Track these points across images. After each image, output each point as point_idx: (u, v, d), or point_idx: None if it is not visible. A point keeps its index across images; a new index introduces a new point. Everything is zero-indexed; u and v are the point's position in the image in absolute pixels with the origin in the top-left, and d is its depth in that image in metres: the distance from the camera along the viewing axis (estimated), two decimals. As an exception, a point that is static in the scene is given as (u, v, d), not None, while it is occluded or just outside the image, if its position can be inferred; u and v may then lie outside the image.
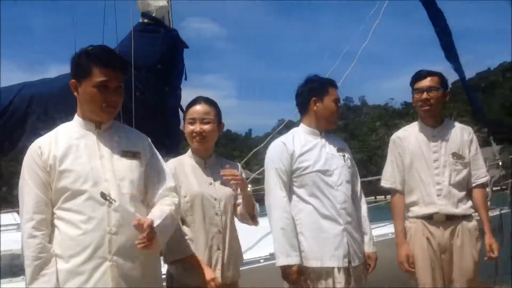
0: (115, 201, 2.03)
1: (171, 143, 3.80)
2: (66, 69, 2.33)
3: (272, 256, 3.55)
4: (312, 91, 2.98)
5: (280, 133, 3.22)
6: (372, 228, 3.07)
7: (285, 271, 2.73)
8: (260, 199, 2.94)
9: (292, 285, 2.74)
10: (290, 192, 2.86)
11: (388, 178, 3.32)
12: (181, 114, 4.34)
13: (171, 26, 4.22)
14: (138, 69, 3.60)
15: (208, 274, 2.39)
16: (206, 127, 2.56)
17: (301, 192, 2.85)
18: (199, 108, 2.59)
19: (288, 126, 3.52)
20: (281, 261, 2.73)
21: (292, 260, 2.71)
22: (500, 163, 5.02)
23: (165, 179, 2.24)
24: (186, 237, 2.45)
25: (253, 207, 2.62)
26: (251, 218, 2.63)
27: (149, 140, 2.28)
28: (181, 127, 4.17)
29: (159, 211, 2.11)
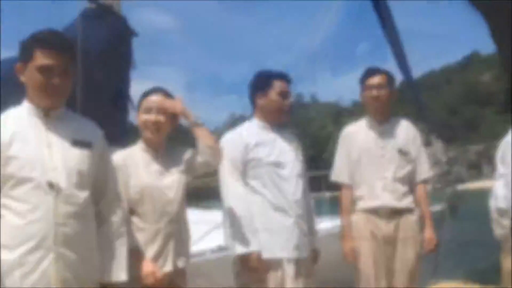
0: (63, 191, 1.98)
1: (117, 133, 3.70)
2: (7, 53, 2.24)
3: (220, 248, 3.54)
4: (255, 86, 3.04)
5: (231, 126, 3.22)
6: (319, 222, 3.13)
7: (245, 259, 2.73)
8: (212, 190, 2.93)
9: (252, 274, 2.75)
10: (244, 184, 2.88)
11: (337, 172, 3.39)
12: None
13: (120, 14, 4.10)
14: (84, 54, 3.47)
15: (147, 267, 2.35)
16: (162, 118, 2.52)
17: (254, 184, 2.88)
18: (156, 98, 2.54)
19: (239, 120, 3.53)
20: (241, 249, 2.74)
21: (253, 247, 2.73)
22: (444, 161, 5.23)
23: (114, 180, 2.24)
24: (137, 227, 2.43)
25: (210, 138, 2.54)
26: (214, 143, 2.54)
27: (102, 132, 2.23)
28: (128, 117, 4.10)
29: (118, 260, 2.16)
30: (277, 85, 2.98)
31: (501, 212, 3.74)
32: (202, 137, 2.52)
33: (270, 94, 2.97)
